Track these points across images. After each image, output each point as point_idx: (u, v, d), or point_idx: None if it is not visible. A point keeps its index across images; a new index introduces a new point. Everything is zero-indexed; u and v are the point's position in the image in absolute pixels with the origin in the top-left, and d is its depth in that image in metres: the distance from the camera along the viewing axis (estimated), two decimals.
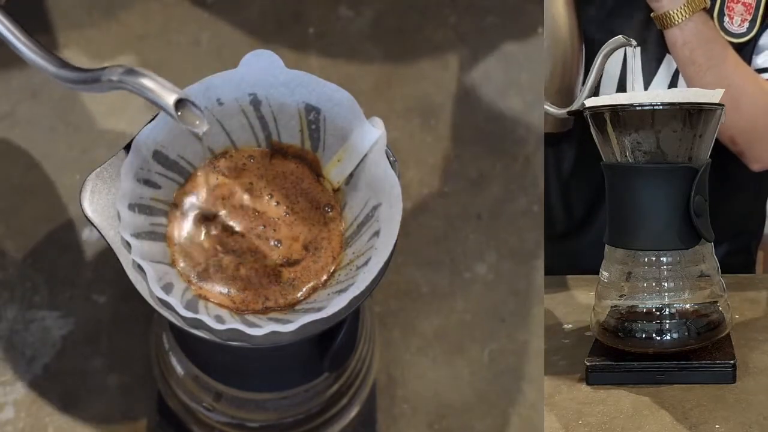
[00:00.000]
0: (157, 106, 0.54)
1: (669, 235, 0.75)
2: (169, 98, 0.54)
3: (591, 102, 0.78)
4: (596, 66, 0.83)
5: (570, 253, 1.16)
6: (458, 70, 0.84)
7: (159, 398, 0.72)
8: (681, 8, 1.00)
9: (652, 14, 1.04)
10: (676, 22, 1.01)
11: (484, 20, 0.85)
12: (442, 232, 0.79)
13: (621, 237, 0.78)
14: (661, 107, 0.74)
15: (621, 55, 1.10)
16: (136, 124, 0.62)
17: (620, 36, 0.83)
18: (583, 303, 0.98)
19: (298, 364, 0.67)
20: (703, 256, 0.77)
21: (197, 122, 0.55)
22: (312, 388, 0.67)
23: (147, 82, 0.54)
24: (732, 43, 1.07)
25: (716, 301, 0.77)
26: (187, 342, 0.67)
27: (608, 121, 0.76)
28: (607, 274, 0.79)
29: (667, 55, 1.08)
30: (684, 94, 0.78)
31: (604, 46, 0.83)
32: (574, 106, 0.85)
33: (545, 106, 0.86)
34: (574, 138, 1.16)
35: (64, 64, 0.58)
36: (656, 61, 1.11)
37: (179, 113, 0.54)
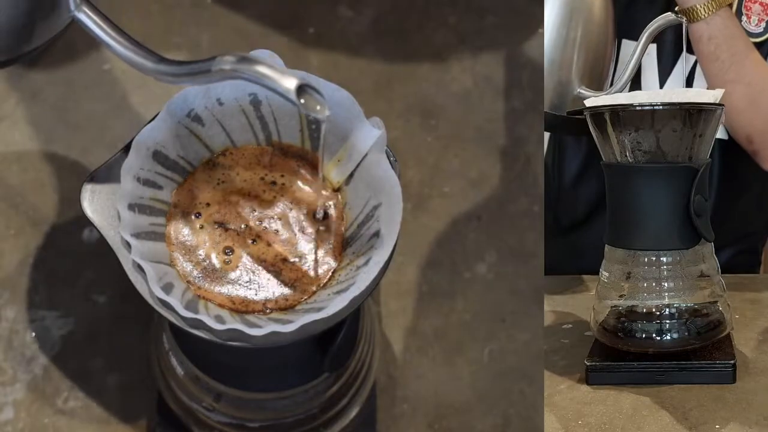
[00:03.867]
0: (276, 93, 0.52)
1: (669, 235, 0.75)
2: (290, 84, 0.52)
3: (591, 102, 0.78)
4: (641, 44, 0.81)
5: (570, 253, 1.16)
6: (458, 70, 0.84)
7: (159, 398, 0.72)
8: (707, 3, 1.00)
9: (676, 8, 1.03)
10: (702, 16, 1.00)
11: (484, 20, 0.85)
12: (442, 232, 0.79)
13: (621, 237, 0.78)
14: (661, 107, 0.74)
15: (638, 52, 1.10)
16: (136, 124, 0.62)
17: (669, 12, 0.81)
18: (583, 303, 0.98)
19: (298, 365, 0.67)
20: (703, 256, 0.77)
21: (318, 107, 0.54)
22: (312, 389, 0.67)
23: (264, 70, 0.52)
24: None
25: (716, 301, 0.77)
26: (187, 342, 0.67)
27: (608, 121, 0.76)
28: (607, 274, 0.79)
29: (683, 54, 1.08)
30: (684, 94, 0.78)
31: (650, 24, 0.82)
32: (615, 88, 0.84)
33: (580, 90, 0.85)
34: (582, 137, 1.15)
35: (162, 59, 0.56)
36: (672, 59, 1.11)
37: (301, 100, 0.53)
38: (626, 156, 0.76)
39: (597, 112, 0.77)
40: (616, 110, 0.75)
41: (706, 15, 1.00)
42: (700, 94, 0.76)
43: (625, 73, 0.83)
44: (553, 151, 1.17)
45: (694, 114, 0.74)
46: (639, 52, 0.82)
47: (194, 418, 0.69)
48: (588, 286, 1.00)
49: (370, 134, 0.61)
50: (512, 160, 0.81)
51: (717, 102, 0.76)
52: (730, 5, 1.02)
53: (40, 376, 0.74)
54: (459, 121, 0.82)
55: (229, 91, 0.61)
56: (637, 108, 0.74)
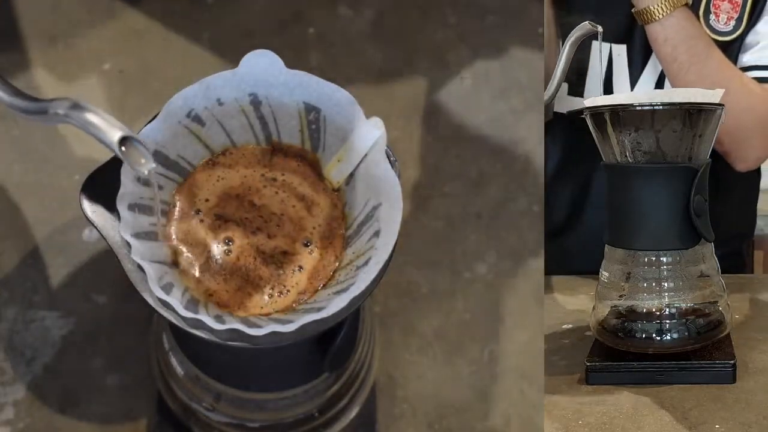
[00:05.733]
0: (101, 142, 0.55)
1: (669, 235, 0.75)
2: (114, 135, 0.54)
3: (591, 102, 0.78)
4: (564, 54, 0.82)
5: (553, 257, 1.15)
6: (458, 70, 0.84)
7: (159, 398, 0.72)
8: (661, 3, 0.99)
9: (633, 9, 1.02)
10: (657, 18, 1.00)
11: (484, 20, 0.85)
12: (442, 232, 0.79)
13: (621, 237, 0.78)
14: (661, 107, 0.74)
15: (607, 54, 1.10)
16: (136, 125, 0.62)
17: (586, 22, 0.81)
18: (582, 303, 0.98)
19: (298, 365, 0.67)
20: (703, 256, 0.77)
21: (142, 161, 0.55)
22: (312, 389, 0.67)
23: (92, 118, 0.54)
24: (718, 42, 1.06)
25: (716, 301, 0.77)
26: (187, 342, 0.67)
27: (608, 121, 0.76)
28: (607, 274, 0.79)
29: (653, 55, 1.08)
30: (684, 94, 0.78)
31: (570, 34, 0.82)
32: (546, 95, 0.84)
33: None
34: (558, 139, 1.15)
35: (18, 93, 0.58)
36: (642, 60, 1.10)
37: (124, 150, 0.54)
38: (626, 156, 0.76)
39: (597, 112, 0.77)
40: (616, 110, 0.76)
41: (660, 16, 1.00)
42: (700, 94, 0.76)
43: (553, 83, 0.83)
44: None
45: (694, 114, 0.74)
46: (564, 62, 0.82)
47: (194, 418, 0.69)
48: (587, 287, 1.00)
49: (370, 134, 0.61)
50: (512, 160, 0.81)
51: (717, 102, 0.76)
52: (687, 5, 1.01)
53: (40, 376, 0.74)
54: (459, 121, 0.82)
55: (228, 91, 0.61)
56: (637, 108, 0.75)
